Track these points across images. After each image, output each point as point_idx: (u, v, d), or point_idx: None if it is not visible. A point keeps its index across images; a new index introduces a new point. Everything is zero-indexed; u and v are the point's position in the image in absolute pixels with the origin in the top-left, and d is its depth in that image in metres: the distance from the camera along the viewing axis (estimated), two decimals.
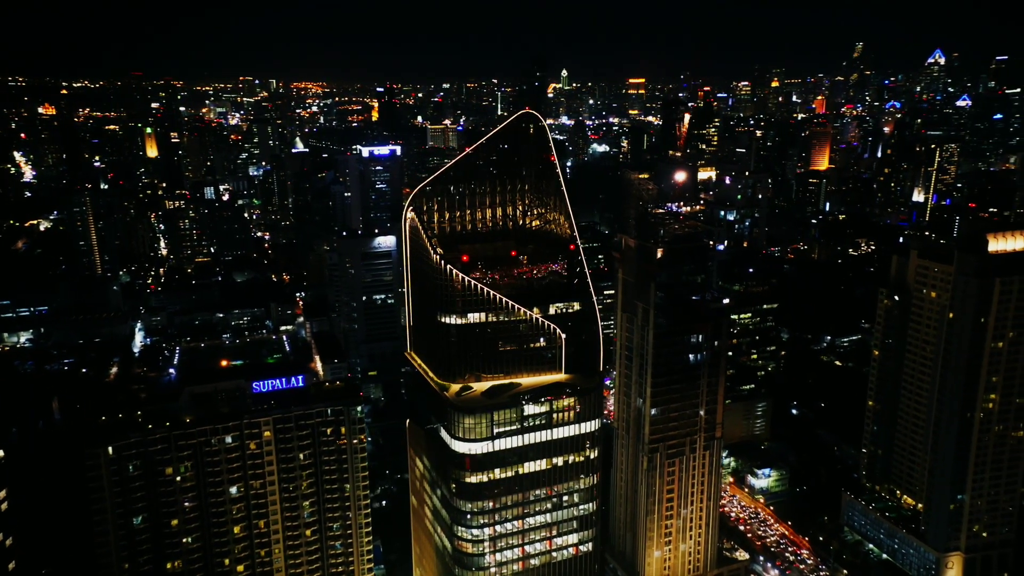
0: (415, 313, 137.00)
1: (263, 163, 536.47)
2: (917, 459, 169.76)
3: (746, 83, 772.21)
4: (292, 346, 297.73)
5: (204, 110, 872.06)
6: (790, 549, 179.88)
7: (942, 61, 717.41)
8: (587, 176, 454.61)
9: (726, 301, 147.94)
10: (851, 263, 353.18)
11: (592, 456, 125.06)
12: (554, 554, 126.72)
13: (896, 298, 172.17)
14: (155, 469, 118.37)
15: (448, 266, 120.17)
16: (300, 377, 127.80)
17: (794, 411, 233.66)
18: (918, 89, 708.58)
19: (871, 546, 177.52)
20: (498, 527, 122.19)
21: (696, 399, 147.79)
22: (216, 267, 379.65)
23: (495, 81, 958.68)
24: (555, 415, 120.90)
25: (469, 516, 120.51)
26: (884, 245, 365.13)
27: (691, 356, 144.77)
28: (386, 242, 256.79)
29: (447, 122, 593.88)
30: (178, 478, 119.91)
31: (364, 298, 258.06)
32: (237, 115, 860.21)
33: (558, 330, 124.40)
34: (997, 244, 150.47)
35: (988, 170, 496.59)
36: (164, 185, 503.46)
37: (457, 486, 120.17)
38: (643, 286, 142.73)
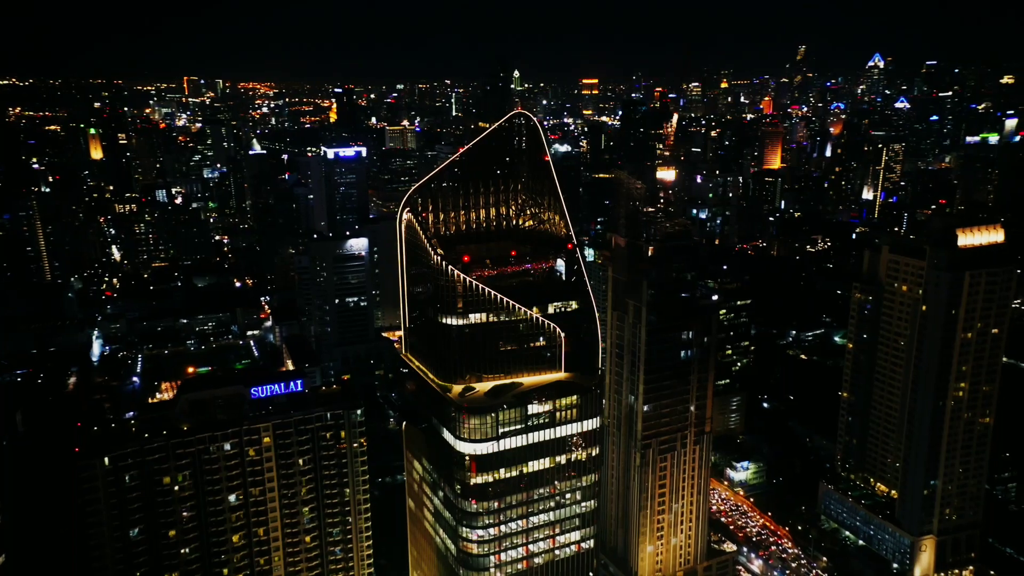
0: (412, 315, 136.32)
1: (218, 165, 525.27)
2: (890, 448, 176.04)
3: (696, 84, 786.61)
4: (261, 351, 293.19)
5: (147, 110, 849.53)
6: (772, 539, 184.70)
7: (881, 64, 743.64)
8: None
9: (715, 297, 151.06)
10: (809, 259, 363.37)
11: (594, 453, 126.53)
12: (556, 552, 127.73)
13: (869, 296, 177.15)
14: (152, 479, 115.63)
15: (449, 267, 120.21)
16: (298, 382, 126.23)
17: (765, 404, 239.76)
18: (860, 91, 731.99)
19: (847, 533, 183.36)
20: (502, 527, 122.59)
21: (687, 395, 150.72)
22: (175, 272, 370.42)
23: (448, 82, 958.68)
24: (558, 413, 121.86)
25: (474, 517, 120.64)
26: (838, 241, 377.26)
27: (682, 352, 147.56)
28: (358, 244, 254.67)
29: (405, 123, 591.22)
30: (176, 487, 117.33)
31: (337, 301, 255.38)
32: (184, 116, 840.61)
33: (558, 329, 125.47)
34: (966, 239, 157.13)
35: (928, 169, 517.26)
36: (111, 188, 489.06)
37: (462, 487, 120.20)
38: (634, 284, 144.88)
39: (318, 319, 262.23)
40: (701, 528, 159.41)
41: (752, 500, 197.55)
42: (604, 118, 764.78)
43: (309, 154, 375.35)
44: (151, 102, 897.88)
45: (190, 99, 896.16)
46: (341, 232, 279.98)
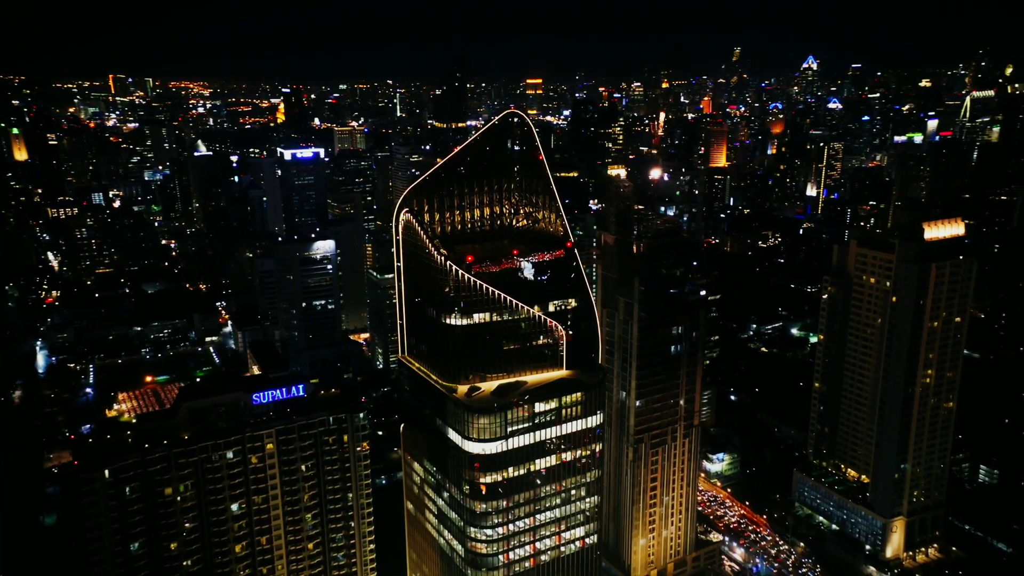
0: (411, 316, 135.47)
1: (160, 167, 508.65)
2: (861, 434, 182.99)
3: (638, 84, 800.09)
4: (222, 357, 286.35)
5: (72, 109, 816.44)
6: (750, 527, 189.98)
7: (815, 66, 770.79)
8: None
9: (703, 293, 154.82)
10: (760, 254, 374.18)
11: (597, 449, 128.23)
12: (562, 549, 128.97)
13: (838, 289, 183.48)
14: (154, 490, 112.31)
15: (453, 267, 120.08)
16: (300, 386, 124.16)
17: (732, 397, 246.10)
18: (794, 91, 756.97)
19: (821, 519, 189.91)
20: (510, 526, 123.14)
21: (677, 389, 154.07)
22: (121, 278, 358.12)
23: (390, 82, 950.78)
24: (564, 411, 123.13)
25: (483, 517, 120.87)
26: (787, 237, 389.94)
27: (672, 348, 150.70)
28: (324, 247, 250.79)
29: (353, 124, 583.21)
30: (178, 498, 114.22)
31: (304, 304, 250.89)
32: (114, 116, 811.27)
33: (559, 327, 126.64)
34: (931, 232, 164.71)
35: (862, 167, 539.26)
36: (40, 191, 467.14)
37: (471, 487, 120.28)
38: (626, 281, 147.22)
39: (285, 323, 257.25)
40: (690, 520, 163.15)
41: (729, 491, 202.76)
42: (549, 118, 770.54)
43: (261, 155, 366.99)
44: (75, 101, 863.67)
45: (118, 98, 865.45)
46: (302, 235, 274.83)
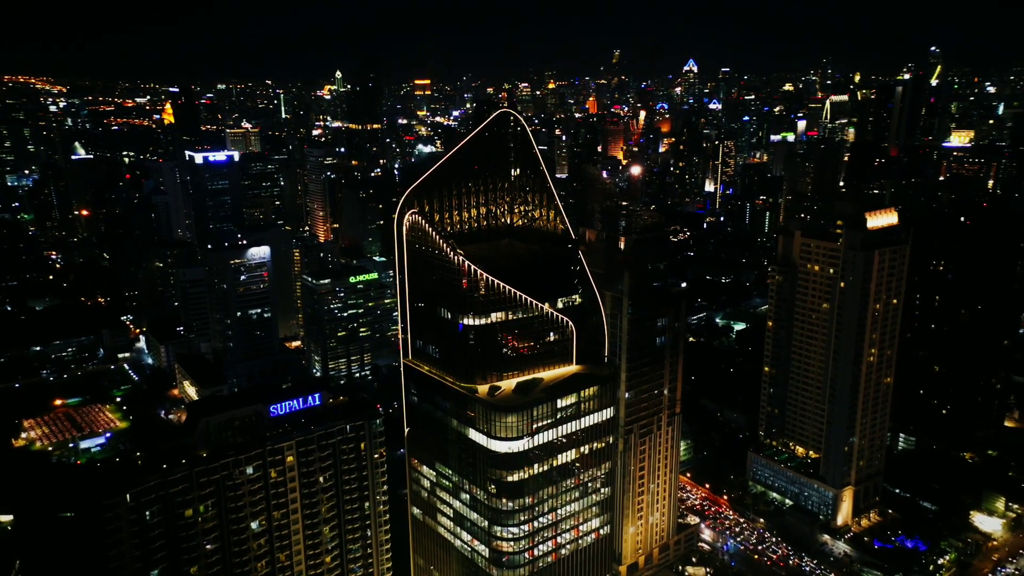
0: (417, 319, 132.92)
1: (26, 172, 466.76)
2: (808, 412, 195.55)
3: (525, 84, 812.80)
4: (139, 374, 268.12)
5: None
6: (713, 508, 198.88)
7: (696, 69, 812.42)
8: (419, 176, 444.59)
9: (684, 284, 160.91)
10: (672, 248, 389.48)
11: (610, 441, 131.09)
12: (579, 541, 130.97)
13: (784, 277, 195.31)
14: (175, 512, 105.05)
15: (472, 267, 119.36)
16: (316, 395, 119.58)
17: None
18: (678, 93, 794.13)
19: (774, 495, 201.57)
20: (534, 522, 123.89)
21: (661, 379, 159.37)
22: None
23: (269, 83, 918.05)
24: (582, 405, 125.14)
25: (510, 515, 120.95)
26: (694, 231, 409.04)
27: (657, 339, 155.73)
28: (260, 253, 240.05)
29: (247, 126, 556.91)
30: (199, 519, 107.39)
31: (239, 314, 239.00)
32: None
33: (570, 323, 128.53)
34: (873, 221, 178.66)
35: (747, 164, 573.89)
36: None
37: (497, 486, 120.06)
38: (614, 276, 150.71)
39: (218, 334, 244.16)
40: (672, 505, 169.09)
41: (689, 475, 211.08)
42: (439, 118, 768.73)
43: (160, 159, 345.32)
44: None
45: None
46: (219, 242, 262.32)
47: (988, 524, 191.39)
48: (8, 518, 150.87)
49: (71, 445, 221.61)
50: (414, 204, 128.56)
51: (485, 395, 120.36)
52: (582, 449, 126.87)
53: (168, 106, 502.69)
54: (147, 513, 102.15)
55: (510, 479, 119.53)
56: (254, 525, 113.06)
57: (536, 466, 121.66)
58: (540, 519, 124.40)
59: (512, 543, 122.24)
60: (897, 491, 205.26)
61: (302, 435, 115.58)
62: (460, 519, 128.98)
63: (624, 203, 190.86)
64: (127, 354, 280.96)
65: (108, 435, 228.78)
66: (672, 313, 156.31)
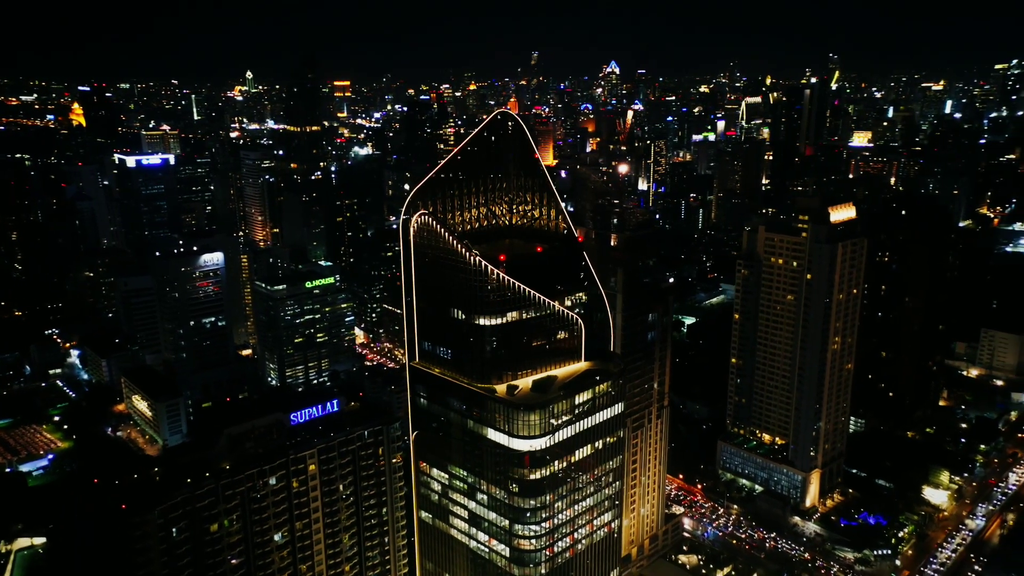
0: (426, 321, 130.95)
1: None
2: (775, 400, 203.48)
3: (446, 85, 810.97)
4: (76, 391, 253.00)
5: None
6: (688, 498, 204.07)
7: (617, 71, 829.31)
8: (357, 179, 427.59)
9: (671, 280, 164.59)
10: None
11: (621, 435, 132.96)
12: (593, 536, 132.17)
13: (750, 271, 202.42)
14: (201, 527, 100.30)
15: (488, 266, 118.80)
16: (335, 401, 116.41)
17: None
18: (599, 93, 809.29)
19: (744, 481, 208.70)
20: (554, 519, 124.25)
21: (651, 373, 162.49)
22: None
23: (175, 83, 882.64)
24: (596, 400, 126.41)
25: (531, 513, 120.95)
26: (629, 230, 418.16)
27: (648, 334, 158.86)
28: (212, 259, 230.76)
29: (166, 128, 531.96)
30: (224, 534, 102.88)
31: (192, 323, 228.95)
32: None
33: (579, 320, 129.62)
34: (835, 215, 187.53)
35: (674, 162, 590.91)
36: None
37: (519, 485, 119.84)
38: (607, 273, 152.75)
39: (169, 344, 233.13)
40: (661, 496, 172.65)
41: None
42: (360, 120, 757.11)
43: (80, 163, 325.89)
44: None
45: None
46: (164, 249, 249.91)
47: (936, 497, 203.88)
48: (41, 540, 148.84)
49: (8, 470, 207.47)
50: (419, 205, 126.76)
51: (504, 394, 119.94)
52: (596, 444, 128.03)
53: (76, 106, 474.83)
54: (174, 530, 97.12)
55: (532, 477, 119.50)
56: (277, 537, 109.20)
57: (556, 463, 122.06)
58: (559, 516, 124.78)
59: (533, 541, 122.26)
60: (854, 471, 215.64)
61: (323, 442, 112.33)
62: (476, 520, 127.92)
63: (616, 201, 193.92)
64: (58, 370, 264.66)
65: (51, 456, 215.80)
66: (661, 308, 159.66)
